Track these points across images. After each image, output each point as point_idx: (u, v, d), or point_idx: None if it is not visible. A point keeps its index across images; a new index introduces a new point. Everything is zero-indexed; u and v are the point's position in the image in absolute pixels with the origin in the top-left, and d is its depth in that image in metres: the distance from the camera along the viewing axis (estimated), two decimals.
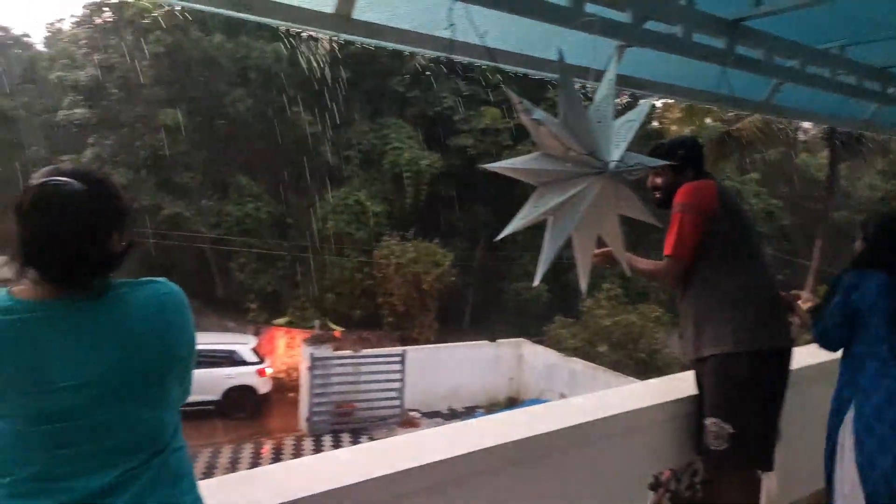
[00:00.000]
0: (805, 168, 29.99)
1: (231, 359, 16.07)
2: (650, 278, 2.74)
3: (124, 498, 1.18)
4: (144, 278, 1.29)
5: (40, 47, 33.39)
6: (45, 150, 26.10)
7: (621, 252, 1.95)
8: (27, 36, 37.11)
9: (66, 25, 30.07)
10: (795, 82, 3.03)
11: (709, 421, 2.51)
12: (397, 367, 15.39)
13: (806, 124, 20.78)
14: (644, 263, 2.60)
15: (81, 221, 1.18)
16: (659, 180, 2.58)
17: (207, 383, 14.60)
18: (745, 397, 2.48)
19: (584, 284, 1.96)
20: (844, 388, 2.64)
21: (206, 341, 16.53)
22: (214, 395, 15.25)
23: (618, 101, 2.04)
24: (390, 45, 2.24)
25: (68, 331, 1.17)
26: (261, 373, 16.44)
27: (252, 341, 17.47)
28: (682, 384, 2.79)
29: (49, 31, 33.26)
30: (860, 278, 2.56)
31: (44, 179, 1.17)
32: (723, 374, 2.49)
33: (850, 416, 2.57)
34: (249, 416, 16.06)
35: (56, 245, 1.16)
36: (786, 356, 2.53)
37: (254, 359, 16.53)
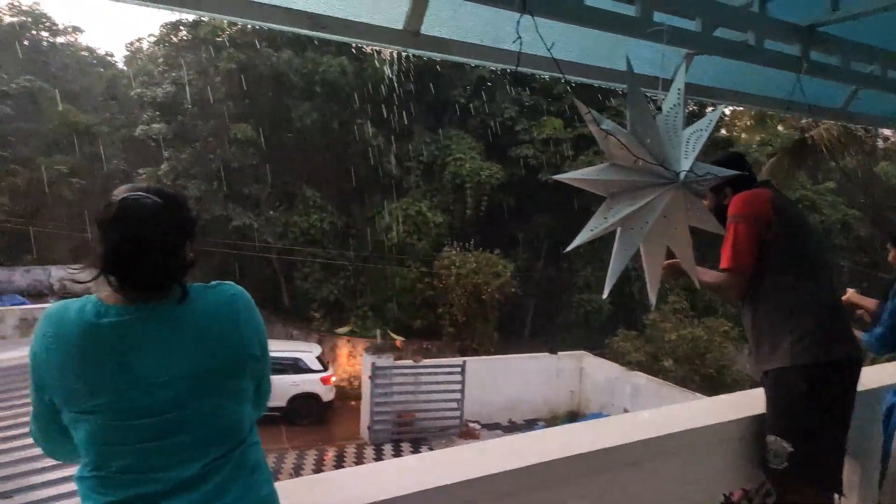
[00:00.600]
0: (885, 177, 28.51)
1: (296, 366, 16.41)
2: (716, 292, 2.67)
3: (208, 487, 1.28)
4: (213, 282, 1.41)
5: (121, 66, 35.38)
6: (125, 164, 27.54)
7: (691, 264, 1.91)
8: (110, 55, 39.28)
9: (146, 45, 31.77)
10: (874, 88, 2.91)
11: (769, 438, 2.43)
12: (457, 377, 15.38)
13: (886, 131, 19.79)
14: (710, 276, 2.52)
15: (160, 231, 1.29)
16: (705, 203, 2.49)
17: (273, 390, 14.92)
18: (804, 414, 2.38)
19: (652, 297, 1.93)
20: None
21: (273, 349, 16.88)
22: (280, 402, 15.61)
23: (686, 109, 2.01)
24: (457, 59, 2.28)
25: (154, 332, 1.27)
26: (325, 381, 16.74)
27: (317, 349, 17.80)
28: (754, 401, 2.70)
29: (129, 51, 35.23)
30: None
31: (124, 195, 1.29)
32: (781, 390, 2.41)
33: None
34: (313, 423, 16.35)
35: (139, 253, 1.26)
36: (849, 369, 2.41)
37: (318, 367, 16.83)
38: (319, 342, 19.75)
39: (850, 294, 3.30)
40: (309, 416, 16.42)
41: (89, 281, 1.28)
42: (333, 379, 17.02)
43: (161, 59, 24.68)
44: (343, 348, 20.23)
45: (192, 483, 1.28)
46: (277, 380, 15.32)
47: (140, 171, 23.54)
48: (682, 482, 2.45)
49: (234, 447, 1.35)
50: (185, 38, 23.96)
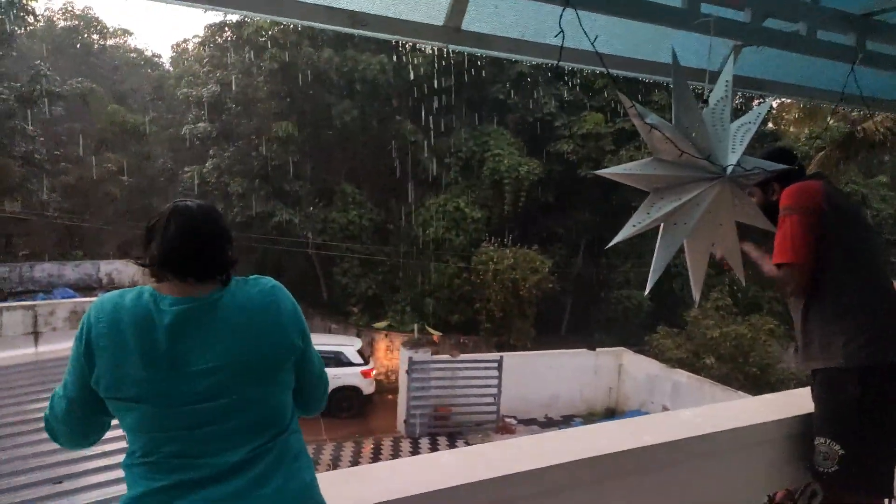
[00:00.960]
0: None
1: (337, 359, 16.60)
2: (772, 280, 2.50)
3: (254, 472, 1.35)
4: (253, 276, 1.49)
5: (168, 66, 36.22)
6: (171, 162, 28.21)
7: (738, 261, 1.86)
8: (157, 56, 40.24)
9: (191, 46, 32.43)
10: None
11: (818, 440, 2.35)
12: (494, 372, 15.36)
13: None
14: (767, 267, 2.35)
15: (214, 228, 1.43)
16: (753, 200, 2.40)
17: None
18: (856, 417, 2.29)
19: (696, 294, 1.89)
20: None
21: (314, 342, 17.24)
22: None
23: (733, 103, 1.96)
24: (498, 55, 2.26)
25: (201, 322, 1.35)
26: (366, 374, 16.90)
27: (357, 343, 17.97)
28: (800, 400, 2.63)
29: (175, 52, 35.97)
30: None
31: (176, 200, 1.45)
32: (831, 391, 2.33)
33: None
34: (353, 416, 16.55)
35: (192, 246, 1.37)
36: None
37: (359, 360, 17.00)
38: (357, 336, 19.96)
39: None
40: (350, 408, 16.62)
41: (149, 266, 1.39)
42: (374, 372, 17.17)
43: (206, 60, 25.16)
44: (381, 343, 20.40)
45: (238, 469, 1.33)
46: None
47: (186, 168, 24.09)
48: (724, 482, 2.41)
49: (278, 434, 1.42)
50: (229, 38, 24.39)
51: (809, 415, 2.53)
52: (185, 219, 1.39)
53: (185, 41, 37.14)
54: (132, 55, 38.20)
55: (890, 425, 2.33)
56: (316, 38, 22.33)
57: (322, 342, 17.42)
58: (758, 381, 15.59)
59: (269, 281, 1.49)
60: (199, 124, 23.45)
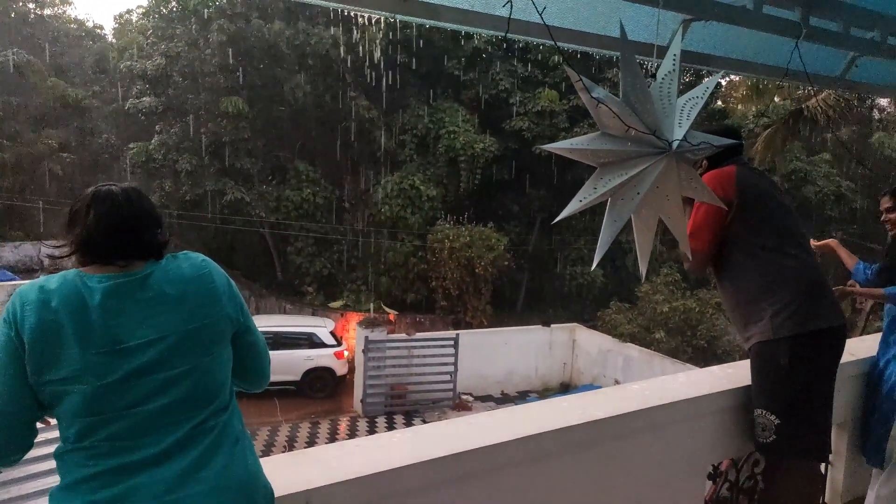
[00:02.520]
0: (880, 147, 28.47)
1: (311, 341, 16.52)
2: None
3: (194, 454, 1.33)
4: (183, 251, 1.50)
5: (111, 38, 34.74)
6: (115, 138, 27.23)
7: (684, 235, 1.87)
8: (99, 28, 38.54)
9: (135, 17, 31.16)
10: (874, 56, 2.85)
11: (756, 412, 2.45)
12: (450, 350, 15.47)
13: (882, 101, 19.71)
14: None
15: (136, 211, 1.41)
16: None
17: (287, 365, 15.10)
18: (788, 386, 2.39)
19: (643, 268, 1.90)
20: None
21: (287, 323, 17.11)
22: (294, 376, 15.76)
23: (682, 79, 1.96)
24: (447, 25, 2.21)
25: (134, 297, 1.34)
26: (338, 355, 16.78)
27: (330, 324, 17.82)
28: (742, 372, 2.70)
29: (118, 23, 34.52)
30: None
31: (96, 185, 1.43)
32: (764, 363, 2.42)
33: None
34: (327, 396, 16.48)
35: (116, 232, 1.37)
36: (831, 340, 2.41)
37: (332, 341, 16.88)
38: (313, 316, 19.79)
39: (832, 242, 3.32)
40: (323, 389, 16.57)
41: (69, 254, 1.37)
42: (346, 353, 17.04)
43: (150, 32, 24.22)
44: (337, 322, 20.31)
45: (177, 450, 1.31)
46: (292, 354, 15.60)
47: (131, 145, 23.30)
48: (670, 453, 2.46)
49: (217, 413, 1.40)
50: (174, 9, 23.54)
51: (750, 386, 2.60)
52: (106, 205, 1.38)
53: (128, 12, 35.68)
54: (72, 26, 36.44)
55: (819, 392, 2.43)
56: (266, 9, 21.74)
57: (295, 323, 17.39)
58: (705, 354, 16.09)
59: (199, 256, 1.49)
60: (145, 98, 22.63)
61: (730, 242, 2.46)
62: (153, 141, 22.33)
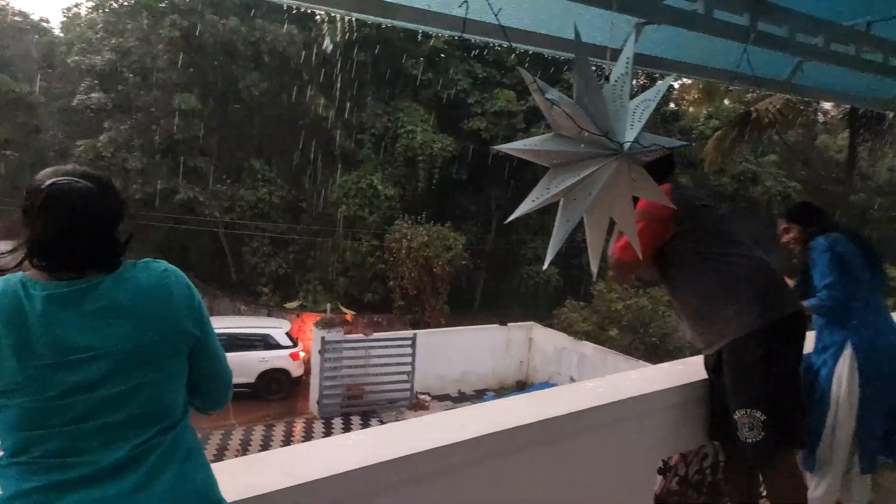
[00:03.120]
0: (824, 149, 29.51)
1: (266, 342, 16.23)
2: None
3: (139, 473, 1.23)
4: (146, 259, 1.37)
5: (57, 32, 33.51)
6: (63, 135, 26.30)
7: (634, 234, 1.90)
8: (45, 21, 37.23)
9: (83, 10, 30.14)
10: (818, 61, 2.95)
11: (738, 414, 2.44)
12: (408, 350, 15.44)
13: (826, 105, 20.44)
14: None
15: (93, 217, 1.27)
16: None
17: (241, 366, 14.80)
18: (765, 378, 2.42)
19: (594, 267, 1.92)
20: (836, 333, 2.89)
21: (241, 325, 16.76)
22: (249, 378, 15.43)
23: (636, 81, 1.99)
24: (404, 25, 2.20)
25: (82, 308, 1.23)
26: (294, 356, 16.51)
27: (286, 325, 17.54)
28: (692, 368, 2.76)
29: (65, 16, 33.32)
30: (829, 238, 2.91)
31: (53, 180, 1.25)
32: (738, 362, 2.45)
33: (848, 353, 2.84)
34: (282, 398, 16.21)
35: (68, 240, 1.23)
36: (796, 325, 2.48)
37: (288, 343, 16.61)
38: (268, 317, 19.50)
39: None
40: (279, 391, 16.30)
41: (15, 267, 1.25)
42: (302, 354, 16.79)
43: (100, 26, 23.48)
44: (293, 323, 20.04)
45: (120, 468, 1.22)
46: (247, 356, 15.27)
47: (79, 142, 22.55)
48: (622, 449, 2.50)
49: (166, 430, 1.30)
50: (125, 3, 22.89)
51: (702, 381, 2.66)
52: (58, 208, 1.23)
53: (76, 5, 34.34)
54: (16, 18, 34.97)
55: (793, 379, 2.50)
56: (220, 5, 21.32)
57: (250, 324, 17.07)
58: (657, 350, 16.43)
59: (161, 264, 1.37)
60: (94, 94, 21.93)
61: (678, 256, 2.52)
62: (102, 138, 21.66)
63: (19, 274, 1.25)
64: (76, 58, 22.95)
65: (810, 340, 3.53)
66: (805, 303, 2.80)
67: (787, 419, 2.45)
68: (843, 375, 2.83)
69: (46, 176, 1.26)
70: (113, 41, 21.74)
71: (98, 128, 22.67)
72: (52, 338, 1.20)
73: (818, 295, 2.85)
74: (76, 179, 1.26)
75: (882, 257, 3.30)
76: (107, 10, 23.55)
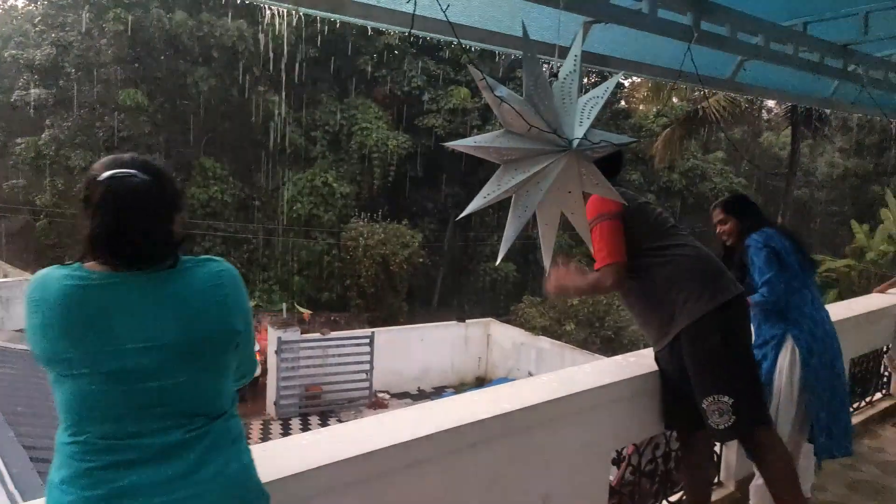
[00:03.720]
0: (768, 146, 30.48)
1: None
2: (595, 291, 2.79)
3: (190, 457, 1.28)
4: (204, 256, 1.41)
5: None
6: (1, 133, 25.27)
7: (585, 229, 1.94)
8: None
9: (21, 3, 28.98)
10: (759, 59, 3.04)
11: (705, 403, 2.47)
12: (366, 348, 15.34)
13: (770, 103, 21.12)
14: (588, 279, 2.65)
15: (150, 212, 1.30)
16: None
17: None
18: (725, 361, 2.48)
19: (547, 262, 1.94)
20: (776, 326, 2.97)
21: None
22: None
23: (584, 80, 2.02)
24: (352, 20, 2.18)
25: (137, 299, 1.27)
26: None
27: None
28: (644, 360, 2.82)
29: (1, 9, 32.01)
30: (764, 234, 2.96)
31: (111, 173, 1.27)
32: (698, 348, 2.49)
33: (789, 345, 2.93)
34: (240, 399, 15.83)
35: (126, 236, 1.26)
36: (741, 305, 2.57)
37: None
38: None
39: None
40: (242, 392, 15.88)
41: (80, 258, 1.28)
42: (261, 357, 16.41)
43: (39, 19, 22.60)
44: None
45: (172, 452, 1.27)
46: None
47: (18, 140, 21.71)
48: (578, 441, 2.54)
49: (214, 419, 1.35)
50: None
51: (654, 373, 2.72)
52: (120, 202, 1.25)
53: None
54: None
55: (748, 358, 2.58)
56: None
57: None
58: (612, 344, 16.74)
59: (219, 264, 1.41)
60: (33, 90, 21.13)
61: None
62: (43, 136, 20.91)
63: (77, 264, 1.29)
64: (13, 52, 22.08)
65: None
66: (749, 299, 2.89)
67: (753, 398, 2.53)
68: (785, 366, 2.93)
69: (105, 166, 1.29)
70: (53, 35, 20.98)
71: (39, 125, 21.87)
72: (106, 326, 1.24)
73: (760, 291, 2.92)
74: (134, 173, 1.28)
75: (811, 248, 3.43)
76: (45, 2, 22.67)
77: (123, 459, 1.24)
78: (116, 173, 1.27)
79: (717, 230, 3.20)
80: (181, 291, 1.31)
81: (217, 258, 1.43)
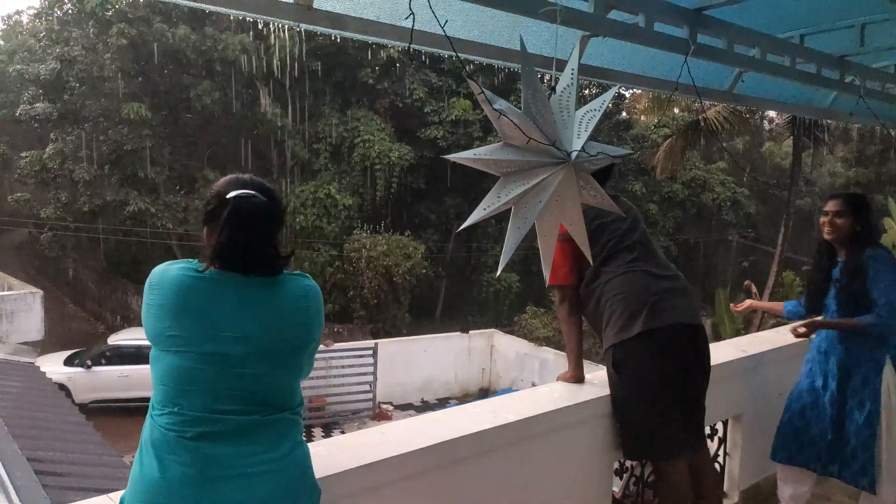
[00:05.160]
0: (770, 156, 30.48)
1: None
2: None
3: (265, 440, 1.47)
4: (297, 272, 1.62)
5: None
6: (5, 147, 25.43)
7: (584, 240, 1.95)
8: None
9: (25, 18, 29.27)
10: (757, 71, 3.07)
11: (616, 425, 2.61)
12: (369, 360, 15.32)
13: (771, 113, 21.16)
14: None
15: (267, 228, 1.52)
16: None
17: None
18: (618, 387, 2.51)
19: (547, 272, 1.96)
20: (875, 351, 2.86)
21: None
22: None
23: (586, 92, 2.04)
24: (352, 35, 2.21)
25: (238, 297, 1.48)
26: None
27: None
28: None
29: (6, 24, 32.31)
30: (887, 251, 2.86)
31: (237, 193, 1.49)
32: (608, 373, 2.56)
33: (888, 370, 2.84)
34: None
35: (248, 247, 1.48)
36: (661, 337, 2.41)
37: None
38: None
39: (748, 304, 3.54)
40: None
41: (206, 268, 1.47)
42: None
43: (43, 35, 22.77)
44: None
45: (250, 430, 1.46)
46: None
47: (23, 154, 21.84)
48: (580, 452, 2.55)
49: (286, 410, 1.53)
50: (69, 11, 22.25)
51: None
52: (244, 218, 1.47)
53: (17, 13, 33.51)
54: None
55: (657, 390, 2.45)
56: (169, 14, 20.93)
57: None
58: None
59: (307, 279, 1.61)
60: (38, 104, 21.24)
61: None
62: (48, 149, 21.01)
63: (195, 261, 1.50)
64: (18, 66, 22.25)
65: (758, 339, 3.66)
66: (859, 319, 2.81)
67: (637, 429, 2.51)
68: (891, 387, 2.86)
69: (230, 185, 1.52)
70: (57, 50, 21.10)
71: (44, 138, 22.00)
72: (208, 314, 1.44)
73: (878, 312, 2.76)
74: (255, 194, 1.51)
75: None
76: (51, 17, 22.86)
77: (209, 431, 1.41)
78: (242, 194, 1.50)
79: (824, 219, 2.97)
80: (275, 298, 1.52)
81: (307, 275, 1.63)
